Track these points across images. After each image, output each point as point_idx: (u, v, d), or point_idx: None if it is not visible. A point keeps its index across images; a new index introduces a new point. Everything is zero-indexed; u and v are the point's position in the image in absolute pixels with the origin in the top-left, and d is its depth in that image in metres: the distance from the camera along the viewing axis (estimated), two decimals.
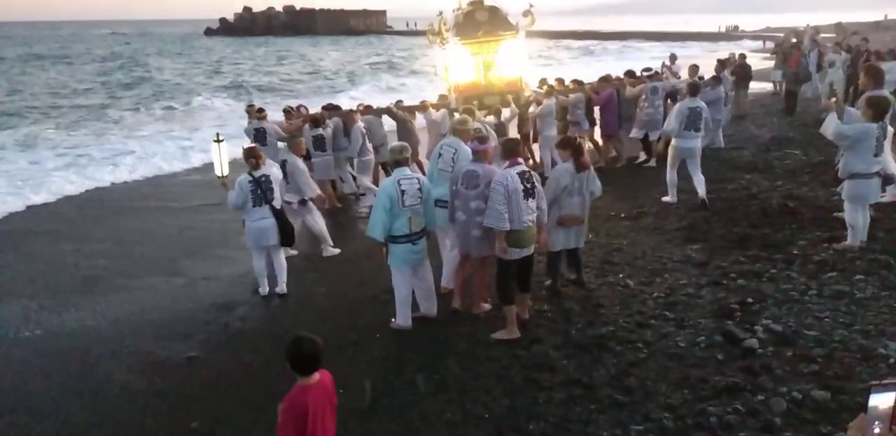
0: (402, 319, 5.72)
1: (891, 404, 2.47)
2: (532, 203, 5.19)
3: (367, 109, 10.38)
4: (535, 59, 42.47)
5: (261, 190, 6.42)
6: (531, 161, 10.90)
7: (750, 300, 5.59)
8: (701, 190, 8.34)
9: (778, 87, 18.48)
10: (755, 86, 17.61)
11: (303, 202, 7.62)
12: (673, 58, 15.59)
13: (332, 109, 10.34)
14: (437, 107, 10.29)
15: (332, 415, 3.15)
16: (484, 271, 5.84)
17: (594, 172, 6.00)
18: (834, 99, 6.56)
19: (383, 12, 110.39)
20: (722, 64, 14.72)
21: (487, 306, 5.91)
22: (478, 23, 9.66)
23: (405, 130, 10.13)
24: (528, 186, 5.13)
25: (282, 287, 6.72)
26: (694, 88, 8.58)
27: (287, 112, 10.36)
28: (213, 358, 5.52)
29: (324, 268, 7.56)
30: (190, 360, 5.49)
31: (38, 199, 11.37)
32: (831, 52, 16.12)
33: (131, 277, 7.54)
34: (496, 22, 9.72)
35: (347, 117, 9.74)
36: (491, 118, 9.33)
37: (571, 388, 4.58)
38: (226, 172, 6.58)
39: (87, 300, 6.88)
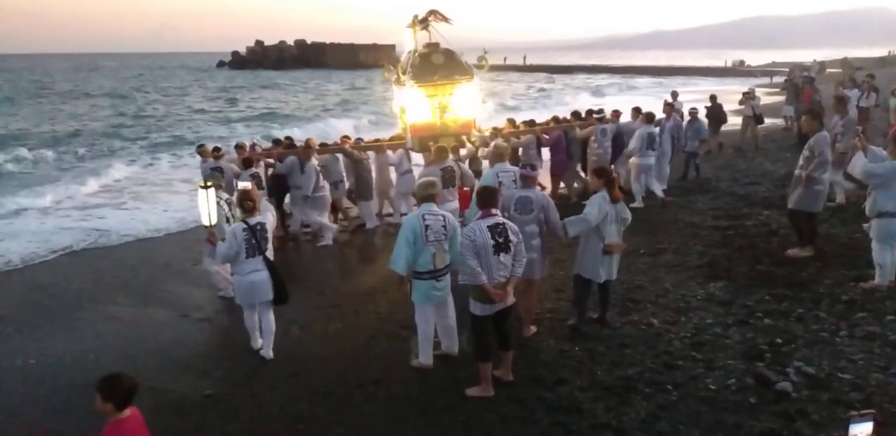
0: (424, 357, 5.62)
1: (869, 432, 2.54)
2: (505, 258, 4.90)
3: (323, 148, 10.38)
4: (556, 92, 43.28)
5: (255, 239, 5.78)
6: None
7: (779, 341, 5.48)
8: (658, 191, 10.69)
9: (790, 123, 18.57)
10: (768, 121, 17.71)
11: None
12: (674, 95, 15.79)
13: (287, 147, 10.38)
14: (393, 147, 10.50)
15: None
16: (530, 294, 6.00)
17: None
18: (858, 138, 6.56)
19: (392, 47, 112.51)
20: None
21: (534, 329, 6.07)
22: (434, 66, 9.89)
23: (361, 169, 10.26)
24: (501, 240, 4.85)
25: (268, 352, 6.01)
26: (650, 117, 10.88)
27: (239, 148, 10.28)
28: (230, 396, 5.41)
29: (340, 303, 7.49)
30: (208, 398, 5.38)
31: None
32: (844, 88, 16.28)
33: (145, 311, 7.49)
34: (452, 65, 9.96)
35: (302, 155, 9.64)
36: (449, 156, 9.53)
37: (601, 432, 4.45)
38: (214, 221, 6.06)
39: (107, 332, 6.81)
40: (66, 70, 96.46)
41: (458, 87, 9.91)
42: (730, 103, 17.67)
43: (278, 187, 9.75)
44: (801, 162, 7.34)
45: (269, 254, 5.99)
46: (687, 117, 13.27)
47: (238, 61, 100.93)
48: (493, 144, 7.65)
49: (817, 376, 4.84)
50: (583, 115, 12.11)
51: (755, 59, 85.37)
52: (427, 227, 5.32)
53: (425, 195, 5.54)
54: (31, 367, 6.12)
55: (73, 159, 20.44)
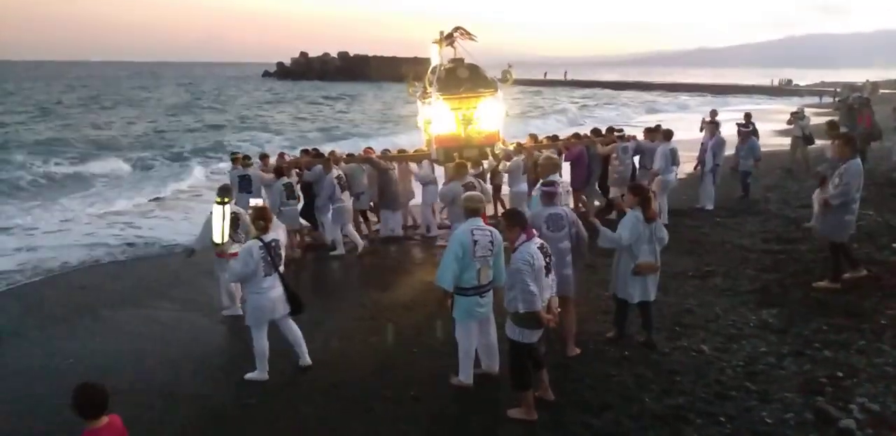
0: (465, 375, 5.49)
1: None
2: (550, 279, 4.89)
3: (349, 158, 10.64)
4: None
5: (270, 256, 5.69)
6: (502, 209, 11.31)
7: (840, 375, 5.20)
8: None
9: None
10: (819, 142, 17.16)
11: None
12: (714, 113, 15.53)
13: (314, 156, 10.60)
14: (418, 158, 10.69)
15: None
16: (568, 311, 5.80)
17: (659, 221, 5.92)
18: None
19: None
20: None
21: (578, 350, 5.94)
22: (459, 79, 10.13)
23: (386, 179, 10.45)
24: (548, 260, 4.81)
25: (305, 359, 6.00)
26: (668, 135, 10.96)
27: (263, 158, 10.67)
28: (269, 407, 5.37)
29: (379, 315, 7.43)
30: (246, 407, 5.35)
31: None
32: None
33: (187, 316, 7.55)
34: (476, 79, 10.21)
35: (325, 165, 9.86)
36: (470, 168, 9.70)
37: None
38: (226, 238, 5.86)
39: (149, 335, 6.88)
40: (121, 78, 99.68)
41: (482, 101, 10.12)
42: (775, 123, 17.19)
43: (308, 195, 9.99)
44: (831, 190, 7.02)
45: (282, 269, 5.91)
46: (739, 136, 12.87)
47: (283, 72, 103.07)
48: (543, 156, 7.58)
49: (883, 413, 4.57)
50: (603, 132, 12.28)
51: (803, 78, 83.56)
52: (475, 242, 5.23)
53: (473, 208, 5.45)
54: (68, 367, 6.21)
55: (161, 165, 20.90)
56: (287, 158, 10.54)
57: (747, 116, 14.71)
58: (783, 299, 6.97)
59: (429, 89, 10.63)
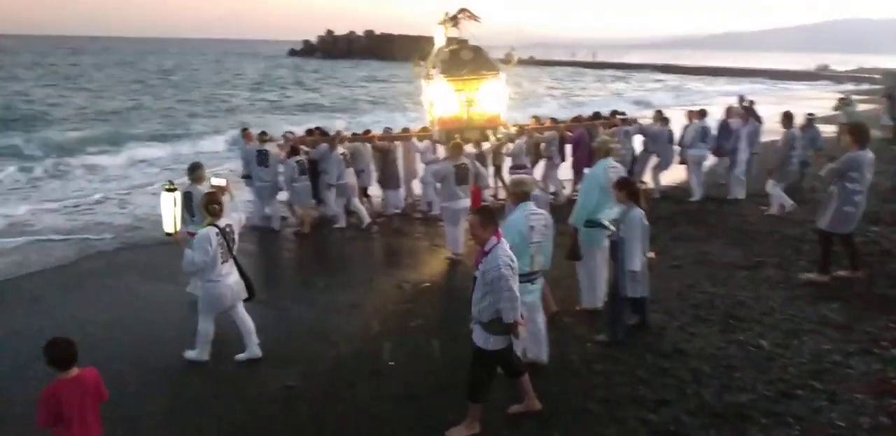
0: None
1: None
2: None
3: (353, 137, 10.83)
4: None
5: (226, 242, 5.44)
6: (502, 189, 11.42)
7: None
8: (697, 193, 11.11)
9: (891, 133, 17.29)
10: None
11: None
12: (741, 99, 15.03)
13: (320, 135, 10.80)
14: (420, 137, 10.87)
15: (93, 406, 3.66)
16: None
17: None
18: None
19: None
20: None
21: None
22: (462, 61, 10.27)
23: (387, 159, 10.67)
24: (514, 264, 4.27)
25: (254, 349, 5.72)
26: (703, 113, 11.42)
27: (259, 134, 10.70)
28: (311, 390, 5.24)
29: (418, 298, 7.26)
30: (289, 390, 5.23)
31: None
32: None
33: None
34: (480, 61, 10.34)
35: (331, 143, 10.04)
36: (471, 148, 9.93)
37: None
38: (178, 228, 5.59)
39: (190, 314, 6.79)
40: (140, 53, 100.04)
41: (484, 83, 10.20)
42: (814, 110, 16.45)
43: (312, 172, 10.12)
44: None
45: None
46: (801, 123, 12.13)
47: (308, 50, 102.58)
48: (598, 139, 7.30)
49: None
50: (604, 115, 12.29)
51: (839, 63, 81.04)
52: (532, 227, 5.00)
53: (523, 192, 5.24)
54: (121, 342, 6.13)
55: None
56: (291, 137, 10.69)
57: (741, 99, 13.95)
58: (842, 293, 6.66)
59: (431, 71, 10.76)
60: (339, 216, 10.24)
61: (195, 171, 6.94)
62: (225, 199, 6.40)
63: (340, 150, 9.98)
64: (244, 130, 10.90)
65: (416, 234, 9.95)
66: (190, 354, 5.74)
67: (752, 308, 6.43)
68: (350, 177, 10.06)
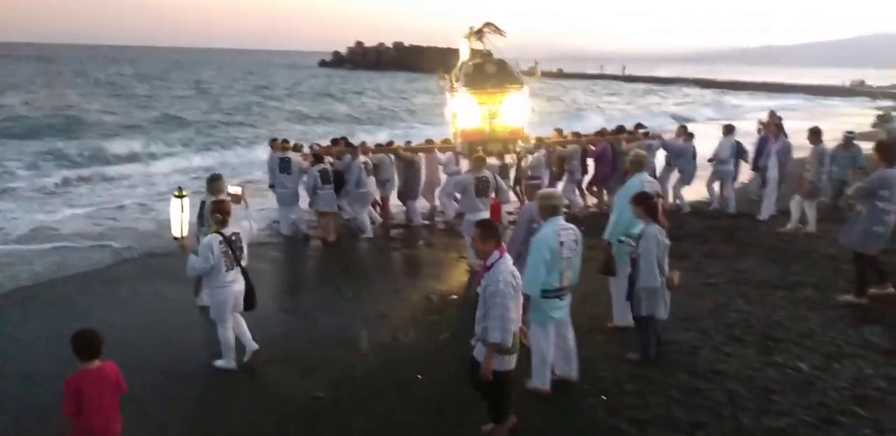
0: (541, 380, 5.20)
1: None
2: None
3: (377, 148, 10.99)
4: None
5: (232, 250, 5.53)
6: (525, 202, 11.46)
7: None
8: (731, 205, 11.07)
9: None
10: None
11: None
12: (772, 114, 14.77)
13: (345, 145, 10.96)
14: (442, 149, 11.04)
15: (112, 398, 3.76)
16: None
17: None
18: None
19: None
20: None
21: None
22: (486, 75, 10.37)
23: (411, 169, 10.78)
24: (517, 282, 4.21)
25: (252, 344, 5.83)
26: (730, 129, 11.37)
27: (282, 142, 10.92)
28: (337, 401, 5.22)
29: (445, 310, 7.22)
30: (315, 400, 5.21)
31: None
32: None
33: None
34: (503, 75, 10.42)
35: (353, 153, 10.26)
36: (494, 161, 10.02)
37: None
38: (185, 233, 5.67)
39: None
40: (177, 63, 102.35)
41: (507, 96, 10.28)
42: (850, 127, 16.07)
43: (336, 182, 10.22)
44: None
45: (245, 262, 5.75)
46: (840, 141, 11.81)
47: (338, 61, 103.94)
48: (632, 152, 7.22)
49: None
50: (628, 129, 12.23)
51: (875, 78, 79.35)
52: (562, 243, 4.93)
53: (551, 206, 5.15)
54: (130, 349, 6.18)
55: None
56: (315, 148, 10.87)
57: (772, 114, 13.90)
58: (885, 316, 6.44)
59: (454, 84, 10.93)
60: (365, 225, 10.29)
61: (213, 182, 7.07)
62: (239, 207, 6.48)
63: (362, 159, 10.11)
64: (272, 140, 11.10)
65: (440, 245, 9.93)
66: (219, 363, 5.78)
67: (789, 329, 6.24)
68: (370, 186, 10.18)
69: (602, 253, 6.21)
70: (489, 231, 4.23)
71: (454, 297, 7.62)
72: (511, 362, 4.29)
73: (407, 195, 10.97)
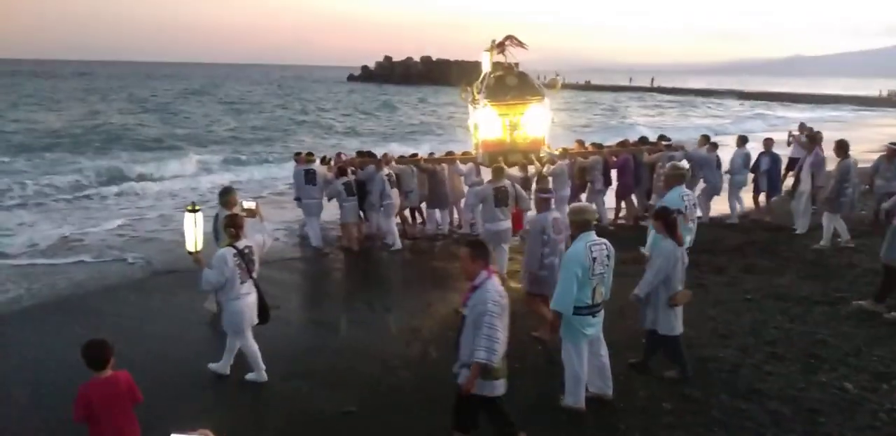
0: (574, 399, 5.08)
1: None
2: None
3: (400, 159, 11.07)
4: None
5: (245, 263, 5.60)
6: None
7: None
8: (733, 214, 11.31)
9: None
10: None
11: None
12: (802, 127, 14.68)
13: (367, 157, 11.12)
14: (464, 160, 11.13)
15: (120, 407, 3.79)
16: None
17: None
18: None
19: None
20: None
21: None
22: (507, 87, 10.54)
23: (434, 180, 10.81)
24: (504, 302, 4.11)
25: (262, 374, 5.76)
26: (744, 139, 11.77)
27: (325, 161, 11.17)
28: (368, 417, 5.16)
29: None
30: (346, 415, 5.16)
31: None
32: None
33: (279, 314, 7.49)
34: (524, 87, 10.59)
35: (377, 165, 10.40)
36: (517, 172, 10.01)
37: None
38: (200, 247, 5.65)
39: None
40: (210, 78, 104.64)
41: (528, 108, 10.43)
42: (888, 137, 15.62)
43: (359, 193, 10.37)
44: None
45: (255, 274, 5.78)
46: (884, 152, 11.40)
47: (367, 75, 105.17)
48: (669, 165, 7.09)
49: None
50: (651, 140, 12.23)
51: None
52: (594, 259, 4.83)
53: (583, 221, 5.04)
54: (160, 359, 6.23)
55: None
56: (343, 158, 11.04)
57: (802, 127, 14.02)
58: None
59: (476, 96, 11.10)
60: (393, 236, 10.34)
61: (225, 195, 7.11)
62: (253, 221, 6.52)
63: (386, 171, 10.22)
64: (297, 155, 11.25)
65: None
66: (251, 376, 5.78)
67: (834, 347, 6.01)
68: (395, 198, 10.26)
69: (634, 265, 6.09)
70: (478, 251, 4.16)
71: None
72: (498, 387, 4.17)
73: (434, 204, 11.07)
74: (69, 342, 6.54)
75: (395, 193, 10.28)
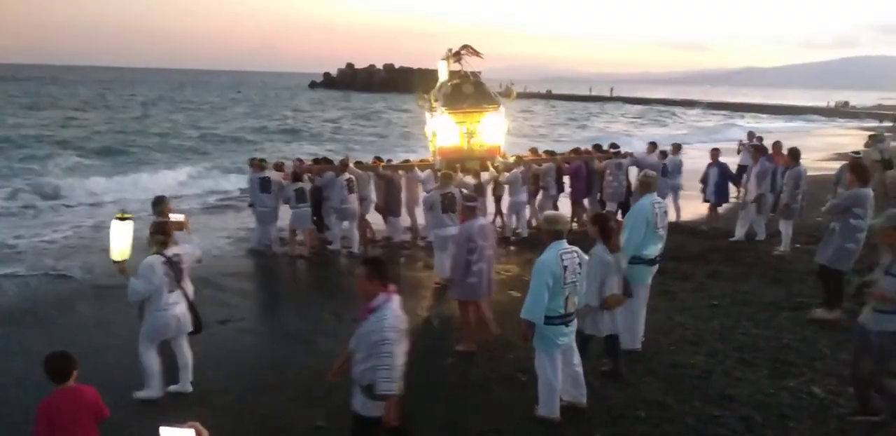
0: (549, 409, 5.04)
1: None
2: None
3: (357, 165, 11.09)
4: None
5: (173, 272, 5.40)
6: (502, 220, 11.69)
7: None
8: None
9: None
10: None
11: None
12: (751, 135, 15.45)
13: (324, 163, 11.26)
14: (422, 167, 11.24)
15: (82, 421, 3.67)
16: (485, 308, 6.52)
17: None
18: None
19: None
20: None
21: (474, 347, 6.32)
22: (464, 95, 10.75)
23: (392, 187, 10.82)
24: (403, 326, 3.91)
25: (186, 385, 5.59)
26: (678, 147, 12.49)
27: (279, 166, 11.17)
28: (339, 431, 5.00)
29: (446, 334, 7.04)
30: (318, 430, 5.02)
31: None
32: None
33: (247, 327, 7.29)
34: (480, 96, 10.82)
35: (336, 170, 10.41)
36: (470, 179, 10.20)
37: None
38: (126, 257, 5.47)
39: (217, 343, 6.64)
40: (175, 84, 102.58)
41: (485, 116, 10.65)
42: (838, 148, 16.22)
43: (315, 198, 10.38)
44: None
45: (188, 286, 5.68)
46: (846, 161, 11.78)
47: (329, 82, 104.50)
48: (641, 173, 7.14)
49: None
50: (604, 148, 12.50)
51: (859, 100, 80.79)
52: (565, 268, 4.81)
53: (555, 230, 5.00)
54: None
55: None
56: (301, 164, 11.07)
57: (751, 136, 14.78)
58: None
59: (434, 104, 11.28)
60: (336, 238, 10.47)
61: (158, 205, 6.95)
62: (182, 233, 6.35)
63: (346, 175, 10.25)
64: (251, 160, 11.14)
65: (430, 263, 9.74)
66: (141, 394, 5.43)
67: (800, 352, 6.14)
68: (353, 202, 10.31)
69: None
70: (377, 270, 3.85)
71: (454, 318, 7.44)
72: (378, 409, 3.89)
73: (389, 212, 11.02)
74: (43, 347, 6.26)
75: (353, 197, 10.32)
